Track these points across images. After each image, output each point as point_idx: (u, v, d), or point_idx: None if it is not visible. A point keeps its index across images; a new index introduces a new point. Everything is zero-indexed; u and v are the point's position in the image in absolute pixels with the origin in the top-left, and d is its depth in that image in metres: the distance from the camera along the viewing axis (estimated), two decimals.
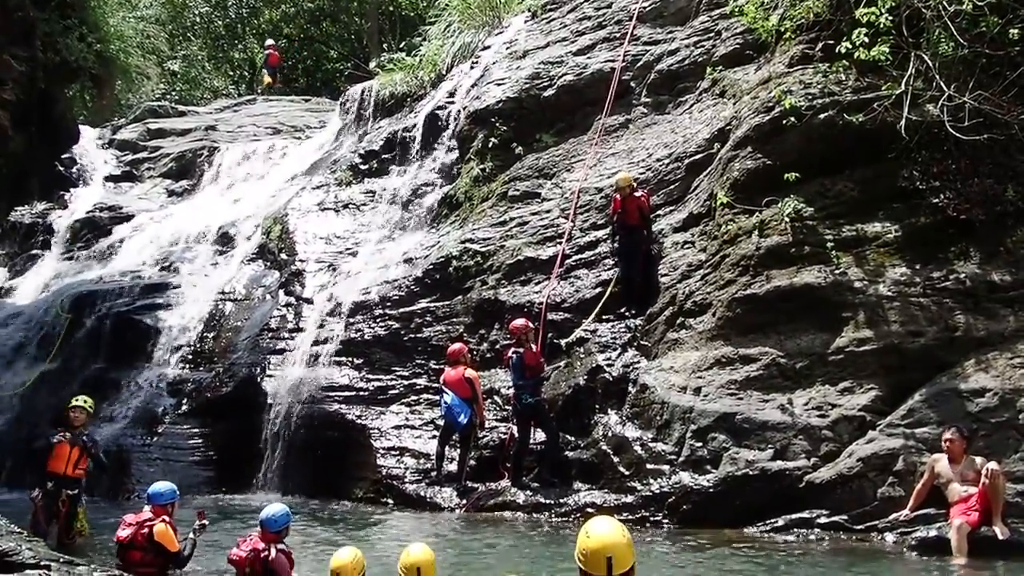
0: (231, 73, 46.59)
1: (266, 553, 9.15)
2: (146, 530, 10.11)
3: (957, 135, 12.86)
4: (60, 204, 26.63)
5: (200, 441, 18.15)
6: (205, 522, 10.43)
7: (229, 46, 46.42)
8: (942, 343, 12.74)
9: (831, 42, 14.35)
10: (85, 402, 13.54)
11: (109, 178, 27.99)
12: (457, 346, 16.26)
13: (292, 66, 45.18)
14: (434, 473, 15.88)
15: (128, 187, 27.62)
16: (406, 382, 17.70)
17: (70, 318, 20.50)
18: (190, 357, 19.61)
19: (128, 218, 25.36)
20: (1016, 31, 12.61)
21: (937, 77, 13.17)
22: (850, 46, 13.51)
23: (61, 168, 27.08)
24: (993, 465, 11.22)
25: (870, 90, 13.82)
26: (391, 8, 41.90)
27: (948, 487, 11.59)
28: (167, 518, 10.26)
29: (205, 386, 18.84)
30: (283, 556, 9.25)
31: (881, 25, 13.18)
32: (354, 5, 43.75)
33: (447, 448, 15.87)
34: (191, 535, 10.40)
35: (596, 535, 4.83)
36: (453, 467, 15.77)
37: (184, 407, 18.59)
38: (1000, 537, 11.05)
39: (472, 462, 15.82)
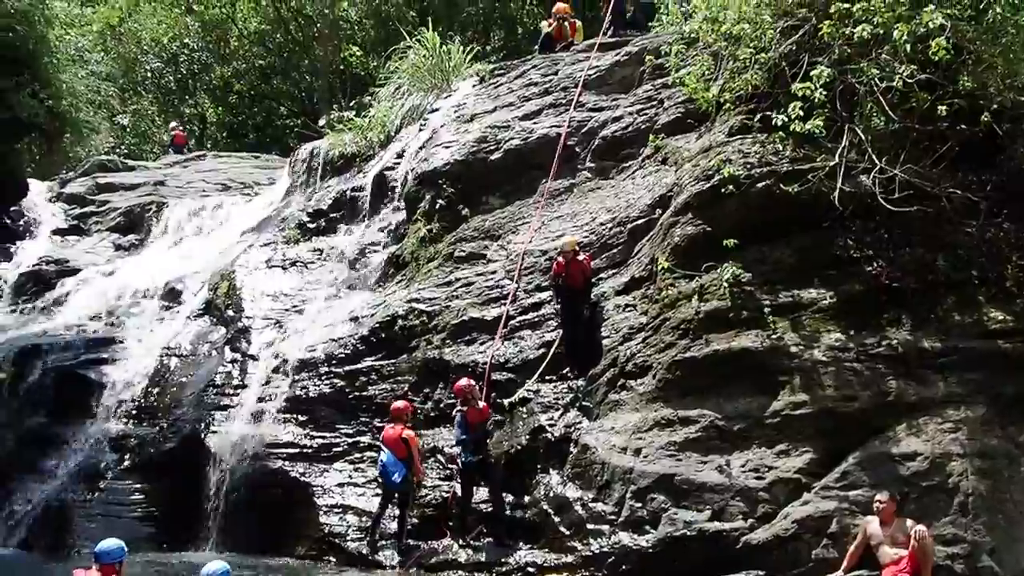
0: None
1: None
2: None
3: (889, 207, 13.27)
4: (6, 257, 26.39)
5: (142, 497, 17.98)
6: None
7: (180, 101, 46.57)
8: (875, 408, 13.03)
9: (769, 113, 14.73)
10: None
11: (56, 231, 27.71)
12: (401, 404, 16.38)
13: (242, 122, 45.39)
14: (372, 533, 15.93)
15: (75, 240, 27.38)
16: (350, 440, 17.72)
17: (13, 371, 20.32)
18: (134, 412, 19.39)
19: (74, 272, 25.13)
20: (944, 107, 13.09)
21: (869, 150, 13.64)
22: (786, 119, 13.94)
23: (8, 221, 26.96)
24: (922, 528, 11.53)
25: (806, 161, 14.21)
26: (341, 67, 42.28)
27: (879, 549, 11.88)
28: None
29: (148, 442, 18.69)
30: None
31: (816, 99, 13.63)
32: (305, 63, 44.12)
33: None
34: None
35: None
36: (395, 526, 15.82)
37: (127, 463, 18.44)
38: None
39: (415, 520, 15.89)
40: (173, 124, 39.37)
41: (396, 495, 15.74)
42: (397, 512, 15.82)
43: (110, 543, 10.39)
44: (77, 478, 18.24)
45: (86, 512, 17.71)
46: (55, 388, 19.95)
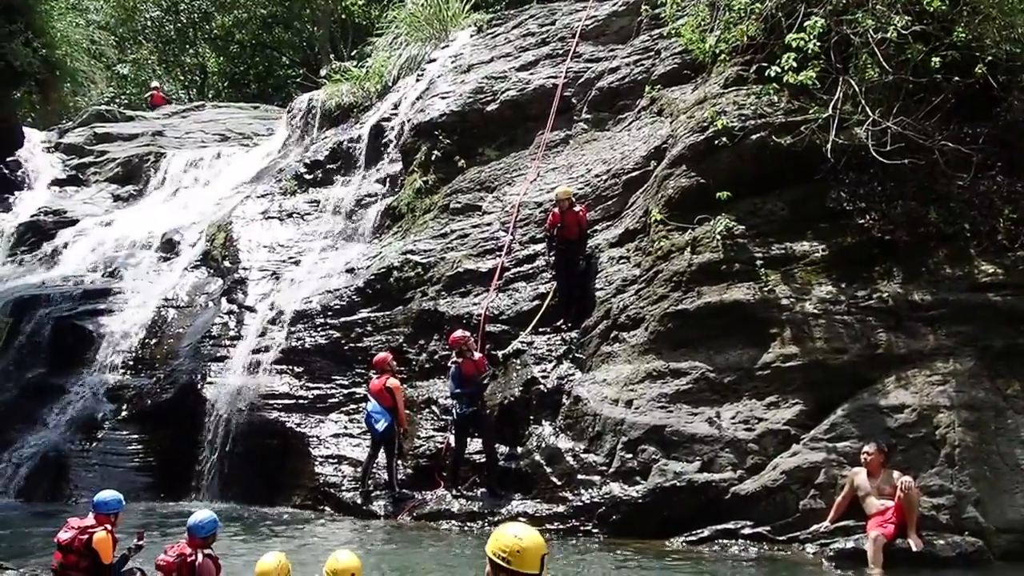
0: (181, 78, 46.43)
1: (193, 558, 9.26)
2: (86, 536, 10.10)
3: (882, 159, 13.19)
4: (4, 207, 26.42)
5: (139, 447, 18.14)
6: (142, 543, 10.34)
7: (180, 51, 46.29)
8: (864, 360, 13.07)
9: (765, 65, 14.56)
10: None
11: (54, 182, 27.74)
12: (382, 355, 16.50)
13: (244, 72, 45.13)
14: (362, 483, 16.07)
15: (73, 191, 27.40)
16: (345, 391, 17.84)
17: (11, 322, 20.42)
18: (131, 363, 19.55)
19: (73, 222, 25.21)
20: (938, 60, 12.95)
21: (863, 102, 13.50)
22: (780, 70, 13.81)
23: (5, 171, 26.96)
24: (908, 479, 11.58)
25: (800, 113, 14.13)
26: (343, 16, 41.98)
27: (866, 500, 11.94)
28: (109, 527, 10.24)
29: (145, 392, 18.85)
30: (210, 561, 9.37)
31: (810, 50, 13.50)
32: (306, 12, 43.78)
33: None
34: (127, 551, 10.37)
35: (528, 537, 5.19)
36: (386, 475, 15.95)
37: (124, 413, 18.57)
38: (914, 549, 11.43)
39: (408, 471, 16.02)
40: (155, 84, 39.16)
41: (382, 443, 15.86)
42: (385, 461, 15.95)
43: (108, 494, 10.47)
44: (75, 428, 18.39)
45: (84, 462, 17.87)
46: (53, 339, 20.10)
